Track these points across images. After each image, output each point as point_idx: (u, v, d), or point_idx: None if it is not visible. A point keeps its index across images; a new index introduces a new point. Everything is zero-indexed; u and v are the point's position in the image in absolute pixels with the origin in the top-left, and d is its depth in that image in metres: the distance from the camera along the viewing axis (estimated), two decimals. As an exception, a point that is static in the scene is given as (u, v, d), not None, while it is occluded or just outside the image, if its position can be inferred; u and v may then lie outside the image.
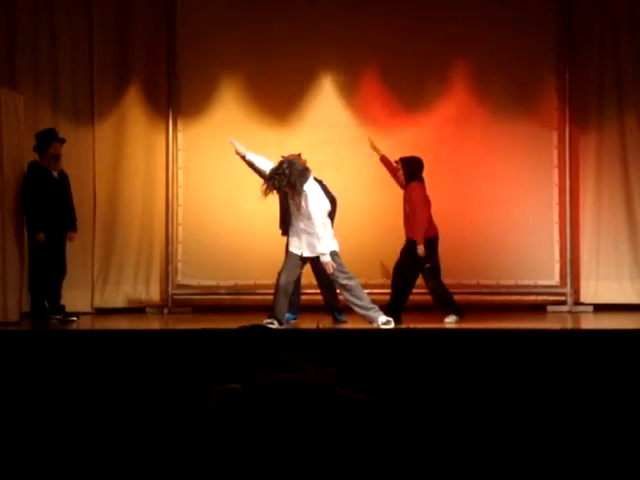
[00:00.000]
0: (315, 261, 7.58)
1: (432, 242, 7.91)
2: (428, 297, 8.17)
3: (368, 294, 7.60)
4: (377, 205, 8.62)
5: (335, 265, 7.38)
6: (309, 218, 7.33)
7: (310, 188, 7.34)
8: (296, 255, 7.46)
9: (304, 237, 7.40)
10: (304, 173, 7.30)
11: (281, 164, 7.30)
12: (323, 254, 7.35)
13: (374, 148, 8.22)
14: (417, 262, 7.88)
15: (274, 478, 3.21)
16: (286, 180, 7.22)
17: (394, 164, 8.07)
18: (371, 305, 7.43)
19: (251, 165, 7.55)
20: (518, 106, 9.42)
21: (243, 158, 7.54)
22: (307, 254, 7.46)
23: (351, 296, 7.41)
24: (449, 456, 3.41)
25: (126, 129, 9.58)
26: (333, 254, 7.41)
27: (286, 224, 7.92)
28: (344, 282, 7.43)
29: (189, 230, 9.64)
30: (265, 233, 9.20)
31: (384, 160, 8.18)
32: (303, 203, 7.32)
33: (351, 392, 3.59)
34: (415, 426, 3.59)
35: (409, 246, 7.91)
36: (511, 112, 9.41)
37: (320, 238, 7.32)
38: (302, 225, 7.40)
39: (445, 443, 3.52)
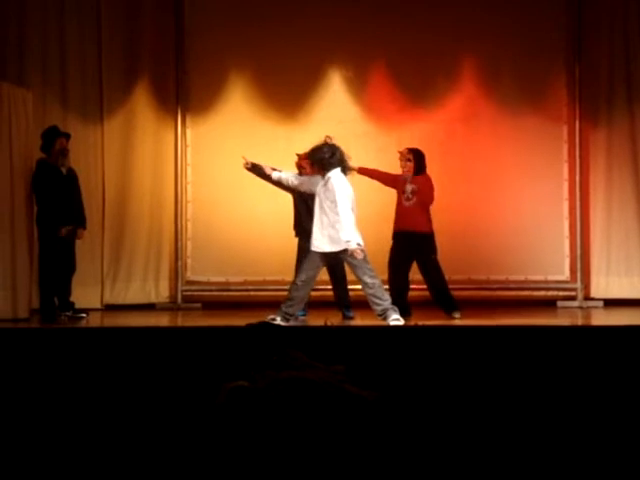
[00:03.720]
0: (333, 256, 7.48)
1: (432, 237, 7.93)
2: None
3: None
4: (387, 200, 8.58)
5: (363, 252, 7.27)
6: (334, 205, 7.22)
7: (335, 175, 7.30)
8: (317, 254, 7.36)
9: (327, 232, 7.30)
10: (342, 160, 7.32)
11: (325, 144, 7.39)
12: (348, 241, 7.20)
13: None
14: (425, 255, 7.85)
15: (282, 475, 3.20)
16: (320, 158, 7.26)
17: (400, 154, 8.02)
18: (390, 305, 7.32)
19: (279, 184, 7.67)
20: (527, 101, 9.39)
21: (269, 179, 7.65)
22: (329, 249, 7.34)
23: (373, 295, 7.28)
24: (457, 453, 3.40)
25: (135, 126, 9.58)
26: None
27: (301, 225, 7.89)
28: (367, 279, 7.29)
29: (198, 226, 9.65)
30: (274, 229, 9.20)
31: (362, 171, 8.11)
32: (328, 186, 7.26)
33: (359, 389, 3.59)
34: (423, 423, 3.58)
35: (404, 240, 7.86)
36: (520, 107, 9.38)
37: (345, 225, 7.19)
38: (325, 220, 7.29)
39: (454, 440, 3.51)
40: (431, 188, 7.96)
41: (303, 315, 8.04)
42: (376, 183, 8.20)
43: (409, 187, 7.93)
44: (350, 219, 7.23)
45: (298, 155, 7.99)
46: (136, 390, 5.13)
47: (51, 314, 8.14)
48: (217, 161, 9.56)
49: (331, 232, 7.29)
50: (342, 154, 7.37)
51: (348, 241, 7.21)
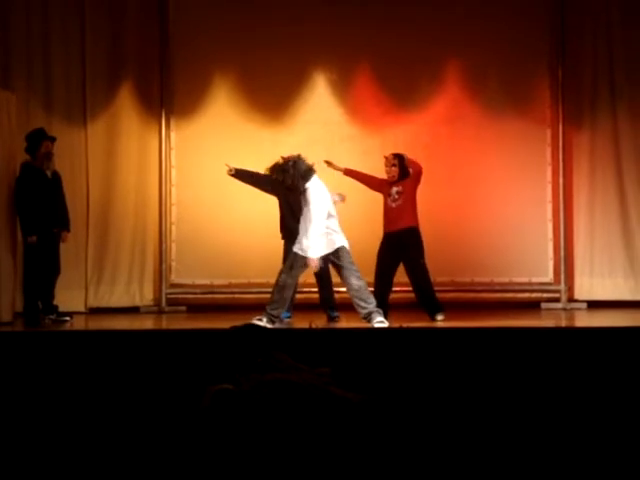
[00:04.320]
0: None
1: (418, 232, 7.99)
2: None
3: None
4: (371, 201, 8.60)
5: (320, 265, 7.32)
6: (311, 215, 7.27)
7: (313, 185, 7.31)
8: (300, 256, 7.37)
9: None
10: (308, 173, 7.28)
11: (287, 161, 7.28)
12: (307, 249, 7.26)
13: (334, 167, 8.14)
14: (412, 252, 7.87)
15: (268, 478, 3.20)
16: (289, 179, 7.22)
17: (386, 159, 8.04)
18: (375, 309, 7.36)
19: (264, 188, 7.82)
20: (511, 104, 9.43)
21: (254, 184, 7.88)
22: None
23: (357, 298, 7.33)
24: (443, 456, 3.41)
25: (119, 129, 9.57)
26: (344, 250, 7.35)
27: (287, 229, 7.90)
28: (354, 281, 7.34)
29: (183, 229, 9.63)
30: (259, 231, 9.20)
31: (349, 173, 8.16)
32: (305, 199, 7.28)
33: (344, 391, 3.59)
34: (409, 425, 3.58)
35: (393, 240, 7.89)
36: (504, 110, 9.42)
37: (312, 235, 7.23)
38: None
39: (439, 442, 3.52)
40: (412, 190, 7.97)
41: (288, 317, 8.04)
42: (361, 184, 8.22)
43: (394, 189, 7.96)
44: (318, 231, 7.25)
45: (283, 158, 7.99)
46: (120, 393, 5.11)
47: (35, 317, 8.12)
48: (201, 164, 9.56)
49: None
50: (304, 162, 7.32)
51: (307, 249, 7.24)
